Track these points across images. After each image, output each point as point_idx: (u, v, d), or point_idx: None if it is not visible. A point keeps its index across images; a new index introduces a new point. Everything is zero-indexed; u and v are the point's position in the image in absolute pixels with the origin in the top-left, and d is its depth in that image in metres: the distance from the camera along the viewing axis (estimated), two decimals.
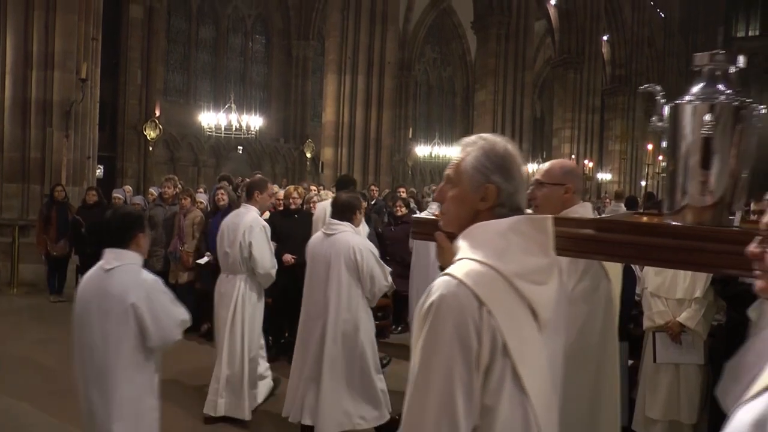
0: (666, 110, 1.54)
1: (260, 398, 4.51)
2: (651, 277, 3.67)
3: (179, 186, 7.74)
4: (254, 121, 16.49)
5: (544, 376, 1.31)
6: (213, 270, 6.30)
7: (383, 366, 3.98)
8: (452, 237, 1.39)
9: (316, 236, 3.83)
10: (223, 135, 16.49)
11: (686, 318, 3.50)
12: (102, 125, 11.09)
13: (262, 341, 4.60)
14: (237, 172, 13.85)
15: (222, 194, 6.53)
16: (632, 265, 3.80)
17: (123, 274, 2.48)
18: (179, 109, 17.69)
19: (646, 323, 3.67)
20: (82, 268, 8.01)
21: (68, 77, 8.79)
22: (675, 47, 27.43)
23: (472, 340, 1.20)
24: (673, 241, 1.39)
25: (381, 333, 5.52)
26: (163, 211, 7.06)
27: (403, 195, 8.54)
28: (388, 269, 3.87)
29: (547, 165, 2.37)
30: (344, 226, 3.69)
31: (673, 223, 1.49)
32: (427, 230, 1.59)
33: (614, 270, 2.30)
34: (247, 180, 8.36)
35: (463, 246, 1.31)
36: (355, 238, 3.71)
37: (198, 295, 6.38)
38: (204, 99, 18.51)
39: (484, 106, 17.21)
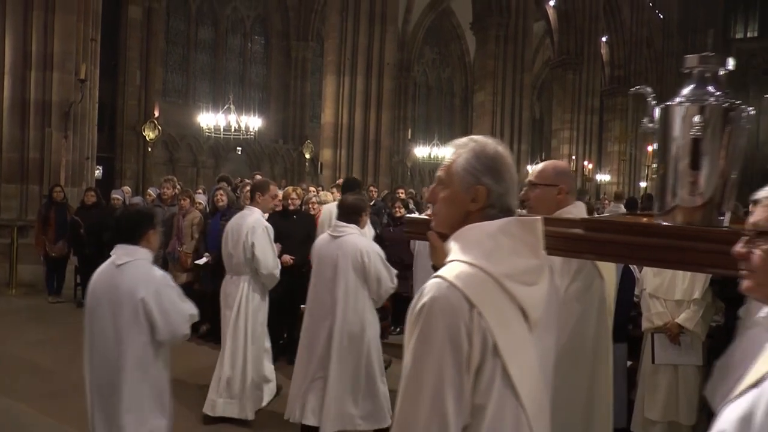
0: (657, 112, 1.56)
1: (265, 400, 4.50)
2: (650, 278, 3.67)
3: (178, 187, 7.76)
4: (253, 122, 16.51)
5: (535, 375, 1.33)
6: (212, 271, 6.32)
7: (386, 368, 4.00)
8: (445, 237, 1.40)
9: (322, 238, 3.85)
10: (222, 136, 16.51)
11: (685, 319, 3.51)
12: (101, 126, 11.10)
13: (268, 344, 4.59)
14: (236, 173, 13.87)
15: (221, 195, 6.54)
16: (631, 267, 3.81)
17: (133, 269, 2.56)
18: (178, 109, 17.71)
19: (645, 324, 3.67)
20: (81, 269, 8.01)
21: (67, 78, 8.80)
22: (674, 48, 27.46)
23: (462, 341, 1.22)
24: (662, 241, 1.41)
25: (381, 334, 5.53)
26: (161, 211, 7.06)
27: (402, 196, 8.56)
28: (394, 271, 3.90)
29: (540, 166, 2.39)
30: (351, 228, 3.72)
31: (664, 223, 1.51)
32: (420, 230, 1.60)
33: (607, 269, 2.32)
34: (246, 181, 8.42)
35: (454, 248, 1.33)
36: (362, 240, 3.75)
37: (197, 296, 6.38)
38: (203, 100, 18.53)
39: (483, 107, 17.22)
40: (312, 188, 9.49)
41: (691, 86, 1.51)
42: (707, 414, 3.48)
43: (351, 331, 3.62)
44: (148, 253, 2.65)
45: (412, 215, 5.28)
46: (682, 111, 1.48)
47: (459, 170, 1.36)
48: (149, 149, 15.89)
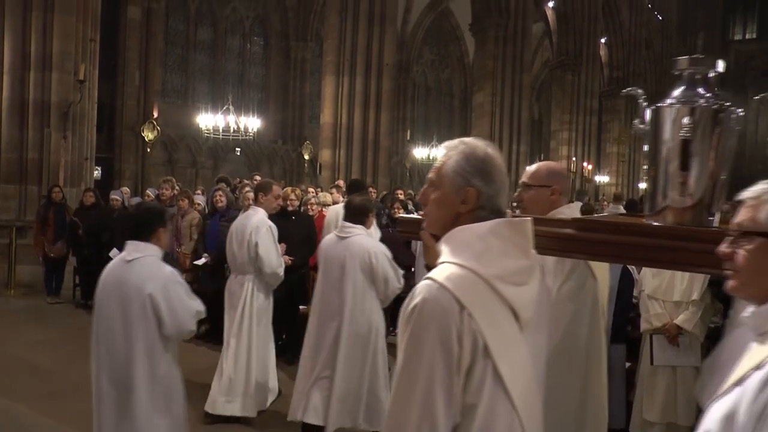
0: (648, 113, 1.57)
1: (270, 400, 4.51)
2: (648, 279, 3.68)
3: (177, 187, 7.77)
4: (252, 123, 16.52)
5: (526, 374, 1.35)
6: (211, 271, 6.34)
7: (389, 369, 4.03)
8: (438, 237, 1.42)
9: (329, 238, 3.87)
10: (221, 136, 16.52)
11: (683, 320, 3.51)
12: (100, 126, 11.10)
13: (272, 348, 4.60)
14: (235, 173, 13.88)
15: (220, 196, 6.56)
16: (630, 268, 3.83)
17: (142, 265, 2.64)
18: (177, 110, 17.72)
19: (644, 326, 3.68)
20: (80, 270, 8.02)
21: (66, 78, 8.80)
22: (673, 49, 27.49)
23: (453, 343, 1.24)
24: (653, 241, 1.43)
25: None
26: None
27: (401, 197, 8.56)
28: (401, 271, 3.92)
29: (533, 167, 2.40)
30: (358, 229, 3.75)
31: (654, 223, 1.52)
32: (413, 229, 1.62)
33: (600, 269, 2.33)
34: (245, 182, 8.43)
35: (444, 250, 1.35)
36: (369, 241, 3.78)
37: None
38: (202, 100, 18.53)
39: (482, 108, 17.24)
40: (311, 189, 9.50)
41: (682, 88, 1.53)
42: None
43: (358, 332, 3.65)
44: (158, 250, 2.74)
45: (403, 215, 5.30)
46: (672, 113, 1.50)
47: (449, 172, 1.38)
48: (148, 150, 15.89)
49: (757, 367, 1.03)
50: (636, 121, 1.60)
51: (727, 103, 1.47)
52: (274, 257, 4.41)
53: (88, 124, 9.53)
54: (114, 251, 7.23)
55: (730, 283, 1.14)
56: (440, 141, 22.77)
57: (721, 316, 3.73)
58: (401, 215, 5.28)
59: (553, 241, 1.50)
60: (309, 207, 6.64)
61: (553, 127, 22.62)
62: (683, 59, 1.55)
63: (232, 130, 16.19)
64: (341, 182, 10.39)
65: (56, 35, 8.66)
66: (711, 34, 28.17)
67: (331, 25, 12.31)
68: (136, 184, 15.04)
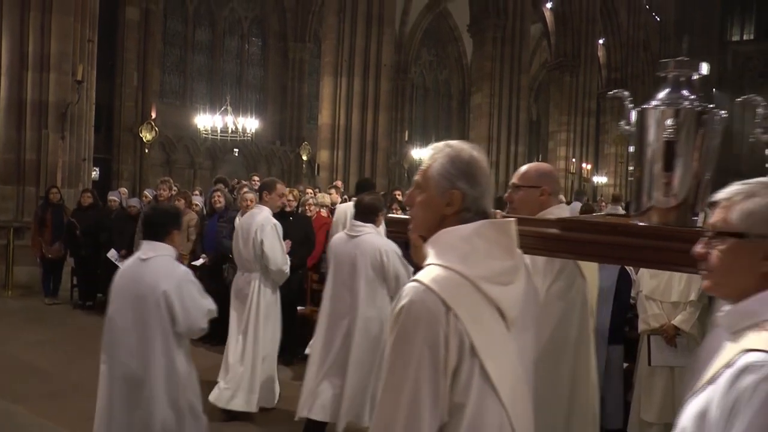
0: (633, 115, 1.60)
1: (276, 399, 4.55)
2: (646, 280, 3.68)
3: (174, 188, 7.78)
4: (250, 124, 16.53)
5: (514, 372, 1.37)
6: (209, 272, 6.35)
7: None
8: (425, 237, 1.44)
9: (339, 237, 3.88)
10: (219, 137, 16.53)
11: (681, 321, 3.52)
12: (98, 127, 11.09)
13: (277, 345, 4.63)
14: (233, 174, 13.87)
15: (218, 196, 6.58)
16: (628, 269, 3.84)
17: (157, 264, 2.73)
18: (175, 111, 17.73)
19: (641, 326, 3.69)
20: (77, 271, 8.04)
21: (64, 79, 8.81)
22: (671, 51, 27.53)
23: (439, 343, 1.26)
24: (637, 241, 1.45)
25: None
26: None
27: (399, 198, 8.57)
28: (411, 269, 3.93)
29: (523, 168, 2.42)
30: (368, 228, 3.76)
31: (639, 223, 1.55)
32: (400, 229, 1.64)
33: (589, 269, 2.35)
34: (243, 182, 8.44)
35: (430, 252, 1.37)
36: (380, 239, 3.78)
37: None
38: (200, 101, 18.54)
39: (480, 109, 17.26)
40: (309, 190, 9.51)
41: (666, 90, 1.55)
42: None
43: (369, 329, 3.65)
44: (172, 250, 2.83)
45: (393, 215, 5.32)
46: (657, 114, 1.52)
47: (435, 175, 1.41)
48: (146, 151, 15.89)
49: (728, 365, 1.06)
50: (622, 123, 1.63)
51: (711, 105, 1.50)
52: (279, 255, 4.48)
53: (86, 124, 9.54)
54: (111, 252, 7.24)
55: (704, 283, 1.17)
56: (438, 142, 22.79)
57: None
58: (391, 215, 5.30)
59: (539, 241, 1.52)
60: (307, 208, 6.66)
61: (551, 128, 22.65)
62: (668, 61, 1.57)
63: (230, 131, 16.21)
64: (339, 183, 10.42)
65: (54, 36, 8.68)
66: (709, 36, 28.18)
67: (330, 26, 12.33)
68: (134, 184, 15.04)
